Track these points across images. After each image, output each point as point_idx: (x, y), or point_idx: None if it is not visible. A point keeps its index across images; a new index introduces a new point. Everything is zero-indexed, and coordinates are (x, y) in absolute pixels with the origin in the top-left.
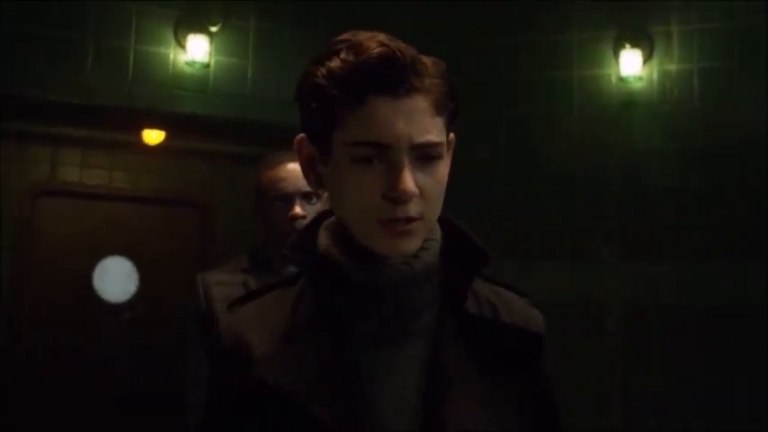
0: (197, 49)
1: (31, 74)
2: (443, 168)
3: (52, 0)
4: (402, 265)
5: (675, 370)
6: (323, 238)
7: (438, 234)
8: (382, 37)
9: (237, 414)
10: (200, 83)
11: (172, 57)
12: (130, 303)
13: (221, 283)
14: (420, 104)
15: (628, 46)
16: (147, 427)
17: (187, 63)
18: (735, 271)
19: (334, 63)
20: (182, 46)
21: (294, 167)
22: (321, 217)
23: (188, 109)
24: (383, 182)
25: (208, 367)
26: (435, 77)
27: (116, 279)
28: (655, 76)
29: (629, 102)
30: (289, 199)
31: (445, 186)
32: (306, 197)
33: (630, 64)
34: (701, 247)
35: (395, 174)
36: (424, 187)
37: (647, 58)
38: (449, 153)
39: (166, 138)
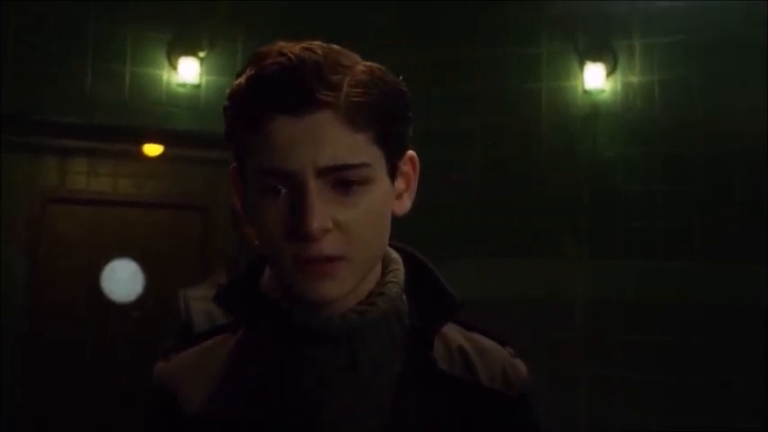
0: (188, 71)
1: (37, 94)
2: (374, 195)
3: (55, 28)
4: (352, 314)
5: (650, 364)
6: (268, 279)
7: (400, 274)
8: (293, 46)
9: None
10: (192, 101)
11: (165, 78)
12: (137, 302)
13: (200, 298)
14: (328, 121)
15: (590, 61)
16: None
17: (179, 84)
18: (696, 270)
19: (238, 81)
20: (174, 68)
21: None
22: (261, 258)
23: (182, 125)
24: (290, 216)
25: None
26: (357, 87)
27: (123, 280)
28: (618, 88)
29: (593, 113)
30: None
31: (384, 216)
32: None
33: (594, 77)
34: (664, 247)
35: (298, 206)
36: (342, 220)
37: (611, 72)
38: (404, 175)
39: (166, 148)
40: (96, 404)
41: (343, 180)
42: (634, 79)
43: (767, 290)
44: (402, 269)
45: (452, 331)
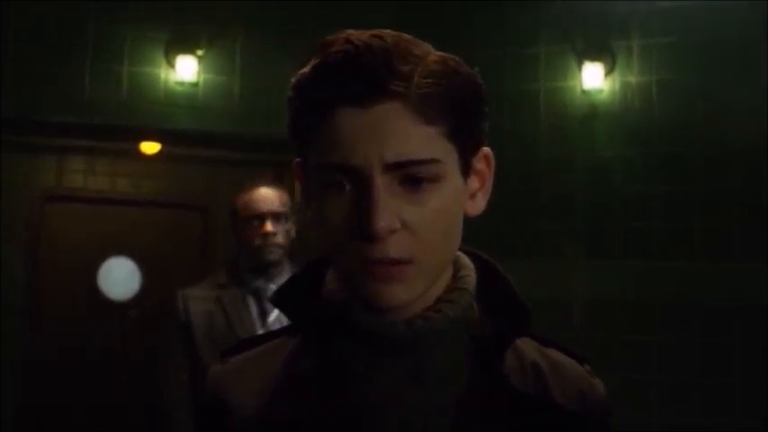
0: (186, 70)
1: (37, 94)
2: (445, 194)
3: (55, 28)
4: (418, 320)
5: (651, 364)
6: (331, 281)
7: (471, 281)
8: (362, 33)
9: None
10: (190, 99)
11: (163, 77)
12: (135, 301)
13: (199, 298)
14: (397, 112)
15: (588, 61)
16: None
17: (177, 82)
18: (696, 270)
19: (303, 70)
20: (172, 66)
21: (267, 191)
22: (324, 258)
23: (180, 124)
24: (354, 214)
25: (187, 372)
26: (428, 77)
27: (122, 279)
28: (617, 88)
29: (591, 113)
30: (261, 218)
31: (455, 217)
32: (276, 217)
33: (593, 77)
34: (664, 247)
35: (364, 204)
36: (410, 220)
37: (609, 72)
38: (478, 173)
39: (164, 147)
40: (96, 404)
41: (412, 177)
42: (632, 79)
43: (767, 290)
44: (473, 275)
45: (526, 345)
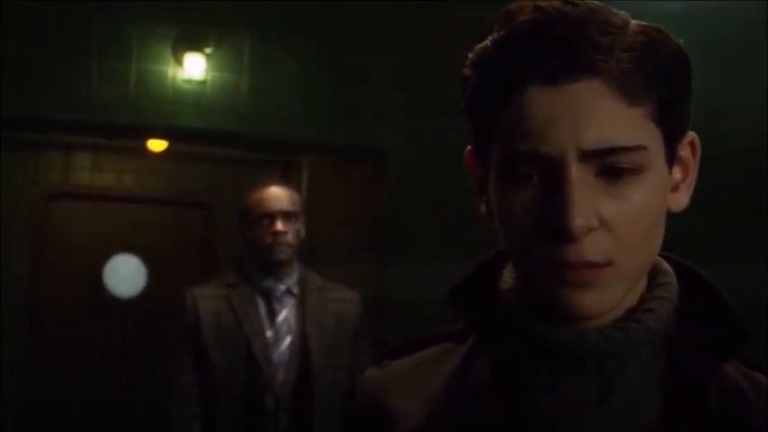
0: (194, 68)
1: (42, 93)
2: (649, 187)
3: (60, 25)
4: (614, 330)
5: None
6: (507, 280)
7: (672, 290)
8: (551, 1)
9: None
10: (197, 98)
11: (171, 74)
12: (135, 301)
13: (208, 297)
14: (597, 91)
15: None
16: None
17: (184, 80)
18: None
19: (483, 44)
20: (179, 64)
21: (278, 190)
22: (500, 254)
23: (187, 122)
24: (544, 209)
25: (192, 374)
26: (631, 51)
27: (125, 276)
28: None
29: None
30: (272, 217)
31: (659, 214)
32: (287, 216)
33: None
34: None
35: (556, 198)
36: (609, 217)
37: None
38: (682, 162)
39: (169, 145)
40: (96, 404)
41: (612, 167)
42: None
43: (767, 290)
44: (674, 283)
45: (729, 366)
